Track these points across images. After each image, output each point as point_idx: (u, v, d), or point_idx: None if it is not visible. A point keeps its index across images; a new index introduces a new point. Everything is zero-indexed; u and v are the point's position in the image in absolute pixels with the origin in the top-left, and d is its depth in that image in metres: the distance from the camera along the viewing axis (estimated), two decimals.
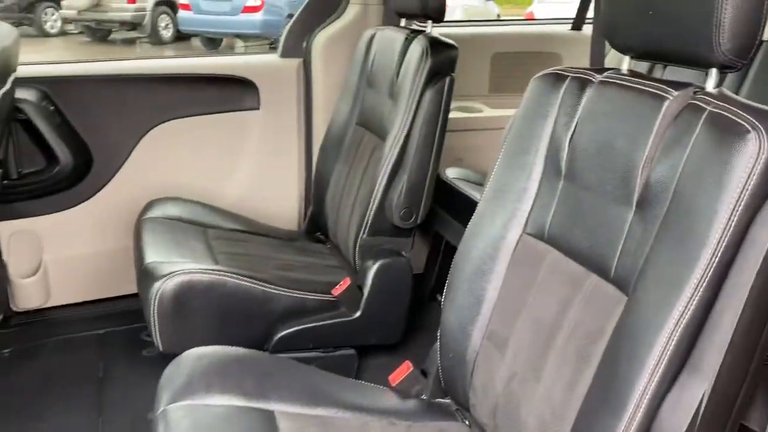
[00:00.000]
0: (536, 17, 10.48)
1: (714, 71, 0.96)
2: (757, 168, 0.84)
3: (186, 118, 2.28)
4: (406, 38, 1.90)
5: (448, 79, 1.77)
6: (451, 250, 2.28)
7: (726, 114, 0.89)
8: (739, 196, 0.85)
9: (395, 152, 1.80)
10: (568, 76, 1.15)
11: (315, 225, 2.28)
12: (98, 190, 2.21)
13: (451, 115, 2.38)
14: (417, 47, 1.80)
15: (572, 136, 1.12)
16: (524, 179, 1.19)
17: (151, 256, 1.74)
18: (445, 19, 1.84)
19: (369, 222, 1.83)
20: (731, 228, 0.85)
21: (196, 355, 1.30)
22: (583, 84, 1.12)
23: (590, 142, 1.07)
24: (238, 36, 11.12)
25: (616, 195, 1.03)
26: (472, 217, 1.28)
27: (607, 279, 1.03)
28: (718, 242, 0.86)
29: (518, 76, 2.71)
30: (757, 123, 0.86)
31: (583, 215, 1.09)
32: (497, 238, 1.22)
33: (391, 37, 1.97)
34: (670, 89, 0.98)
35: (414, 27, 2.04)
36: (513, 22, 2.81)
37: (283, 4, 10.57)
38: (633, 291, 0.96)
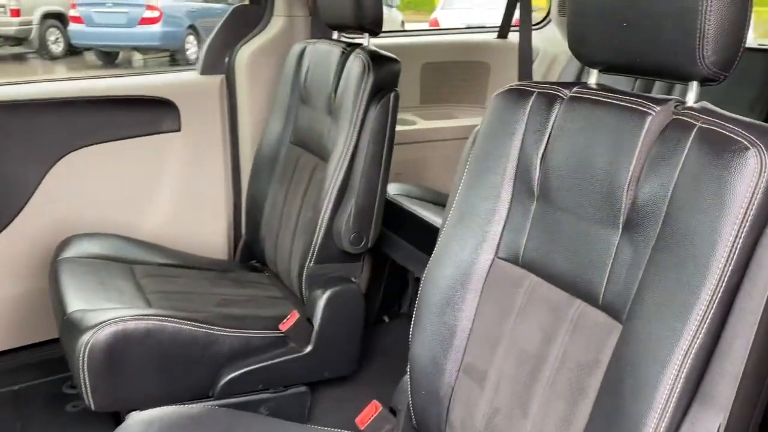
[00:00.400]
0: (441, 24, 10.62)
1: (695, 84, 0.92)
2: (760, 186, 0.80)
3: (100, 144, 2.08)
4: (343, 52, 1.80)
5: (392, 95, 1.68)
6: (396, 269, 2.22)
7: (718, 130, 0.85)
8: (744, 217, 0.80)
9: (341, 174, 1.69)
10: (534, 91, 1.10)
11: (249, 252, 2.14)
12: (3, 228, 1.98)
13: None
14: (356, 62, 1.70)
15: (544, 155, 1.06)
16: (492, 200, 1.13)
17: (75, 304, 1.55)
18: None
19: (315, 250, 1.72)
20: (737, 251, 0.81)
21: (143, 420, 1.15)
22: (551, 100, 1.07)
23: (565, 162, 1.02)
24: (136, 49, 10.64)
25: (599, 217, 0.97)
26: (438, 242, 1.21)
27: (596, 305, 0.98)
28: (724, 266, 0.81)
29: (448, 86, 2.68)
30: (754, 139, 0.82)
31: (563, 238, 1.03)
32: (467, 263, 1.14)
33: (326, 51, 1.86)
34: (651, 104, 0.93)
35: (344, 39, 1.94)
36: (441, 32, 2.77)
37: (182, 15, 10.18)
38: (628, 319, 0.91)
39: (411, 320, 1.21)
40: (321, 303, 1.69)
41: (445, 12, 10.95)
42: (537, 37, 2.66)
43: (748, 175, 0.80)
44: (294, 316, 1.67)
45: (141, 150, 2.14)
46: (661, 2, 0.89)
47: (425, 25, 11.03)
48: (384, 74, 1.68)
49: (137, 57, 10.93)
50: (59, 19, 10.83)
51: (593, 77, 1.06)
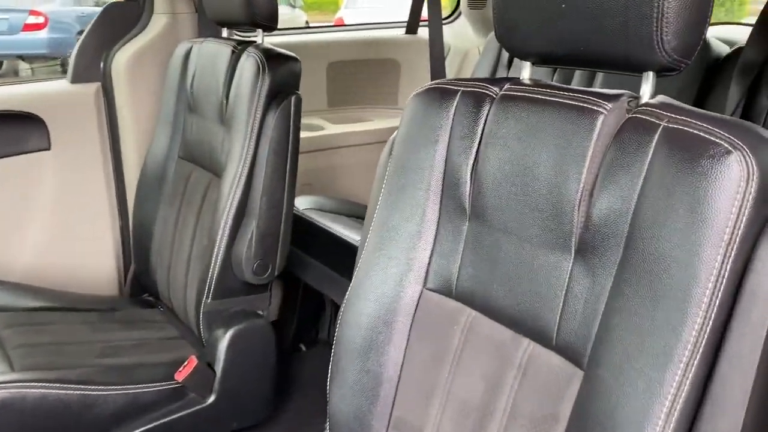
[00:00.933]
0: (346, 23, 10.45)
1: (651, 76, 0.77)
2: (748, 198, 0.66)
3: None
4: (233, 51, 1.56)
5: (293, 98, 1.46)
6: (311, 292, 2.00)
7: (689, 130, 0.70)
8: (730, 238, 0.66)
9: (237, 193, 1.45)
10: (458, 90, 0.93)
11: (140, 285, 1.86)
12: None
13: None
14: (249, 62, 1.47)
15: (475, 165, 0.90)
16: (416, 221, 0.96)
17: None
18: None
19: (212, 283, 1.47)
20: (724, 279, 0.66)
21: None
22: (479, 100, 0.91)
23: (501, 173, 0.86)
24: (21, 57, 9.91)
25: (546, 239, 0.82)
26: (355, 274, 1.02)
27: (549, 346, 0.82)
28: (710, 300, 0.66)
29: (357, 87, 2.48)
30: (736, 140, 0.67)
31: (503, 265, 0.87)
32: (391, 298, 0.97)
33: (214, 51, 1.62)
34: (601, 101, 0.78)
35: (237, 37, 1.70)
36: (345, 28, 2.57)
37: (71, 20, 9.56)
38: (591, 366, 0.75)
39: (331, 347, 1.04)
40: (223, 345, 1.45)
41: (350, 11, 10.78)
42: (447, 32, 2.51)
43: (732, 185, 0.66)
44: (192, 363, 1.42)
45: (4, 172, 1.83)
46: None
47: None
48: (282, 75, 1.46)
49: (23, 66, 10.18)
50: None
51: (525, 71, 0.91)
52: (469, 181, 0.91)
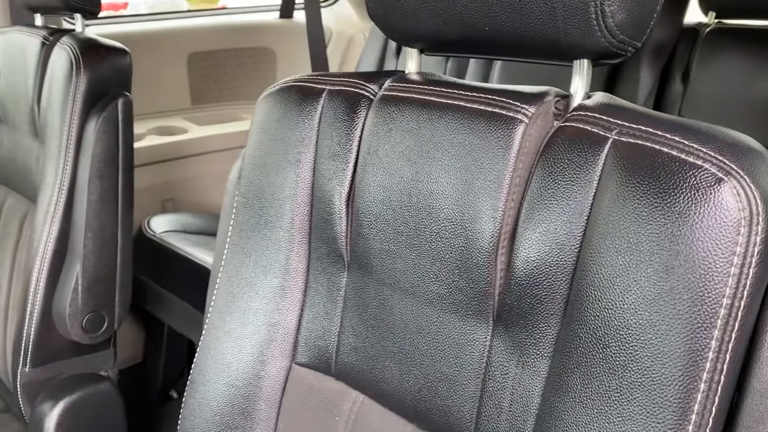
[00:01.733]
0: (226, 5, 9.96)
1: (586, 65, 0.56)
2: (752, 249, 0.45)
3: None
4: (44, 43, 1.21)
5: (121, 102, 1.13)
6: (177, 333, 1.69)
7: (653, 146, 0.49)
8: (729, 313, 0.45)
9: (54, 228, 1.12)
10: (323, 89, 0.70)
11: None
12: None
13: (146, 142, 1.75)
14: (61, 57, 1.14)
15: (351, 196, 0.67)
16: (278, 272, 0.72)
17: None
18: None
19: (30, 347, 1.14)
20: (722, 374, 0.46)
21: None
22: (351, 103, 0.68)
23: (386, 207, 0.63)
24: None
25: (453, 300, 0.60)
26: (200, 344, 0.77)
27: None
28: (705, 404, 0.46)
29: (226, 81, 2.15)
30: (727, 162, 0.47)
31: (398, 335, 0.64)
32: (249, 377, 0.73)
33: (21, 44, 1.26)
34: (520, 104, 0.57)
35: (53, 25, 1.36)
36: (208, 13, 2.24)
37: None
38: None
39: None
40: (50, 425, 1.11)
41: None
42: (327, 16, 2.24)
43: (729, 229, 0.45)
44: None
45: None
46: None
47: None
48: (104, 72, 1.13)
49: None
50: None
51: (412, 62, 0.69)
52: (344, 218, 0.68)
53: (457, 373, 0.60)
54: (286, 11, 2.26)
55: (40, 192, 1.16)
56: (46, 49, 1.21)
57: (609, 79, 1.56)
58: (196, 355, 0.78)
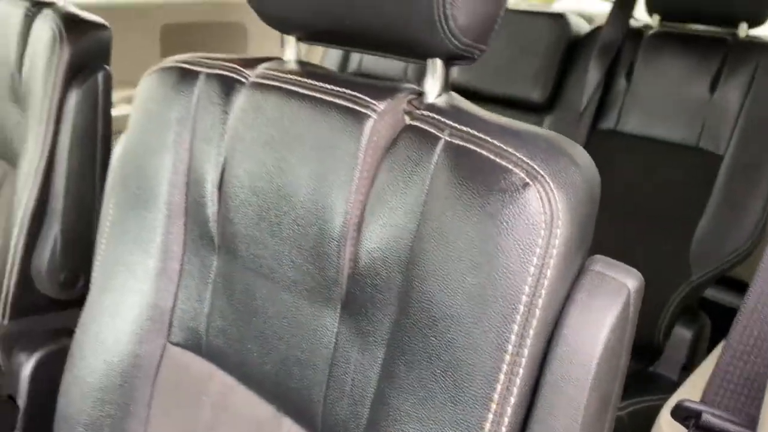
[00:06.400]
0: None
1: (439, 64, 0.59)
2: (551, 251, 0.49)
3: None
4: (27, 15, 1.27)
5: (101, 75, 1.20)
6: None
7: (475, 149, 0.52)
8: (529, 309, 0.49)
9: (35, 191, 1.19)
10: (201, 72, 0.71)
11: None
12: None
13: (117, 111, 1.81)
14: (44, 29, 1.20)
15: (222, 180, 0.69)
16: (155, 253, 0.74)
17: None
18: None
19: (9, 301, 1.21)
20: (521, 367, 0.50)
21: None
22: (226, 86, 0.69)
23: (251, 193, 0.66)
24: None
25: (306, 286, 0.63)
26: (79, 321, 0.80)
27: (313, 430, 0.64)
28: (504, 392, 0.49)
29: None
30: (535, 166, 0.50)
31: (259, 318, 0.67)
32: (125, 354, 0.75)
33: (4, 13, 1.31)
34: (370, 100, 0.59)
35: None
36: None
37: None
38: None
39: None
40: (25, 373, 1.20)
41: None
42: None
43: (531, 232, 0.49)
44: None
45: None
46: None
47: None
48: (85, 46, 1.20)
49: None
50: None
51: (289, 49, 0.70)
52: (215, 200, 0.69)
53: (309, 358, 0.63)
54: None
55: (21, 158, 1.22)
56: (29, 20, 1.26)
57: (560, 74, 1.67)
58: (76, 330, 0.80)
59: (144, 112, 0.74)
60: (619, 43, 1.58)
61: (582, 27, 1.72)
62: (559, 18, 1.70)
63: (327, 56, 2.00)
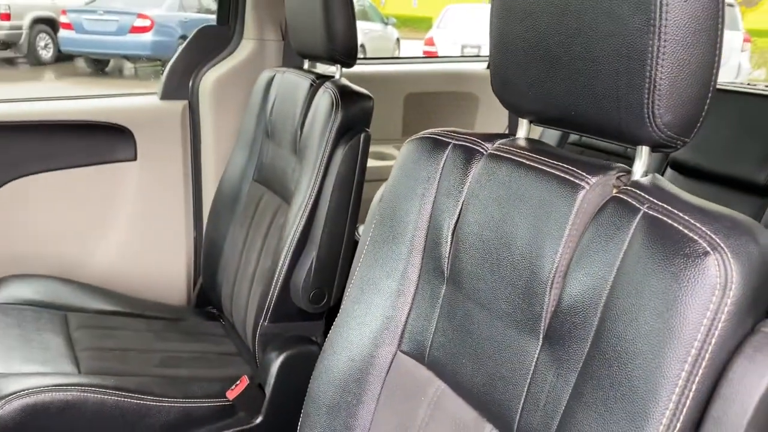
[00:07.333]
0: (436, 43, 10.51)
1: (645, 150, 0.70)
2: (723, 309, 0.58)
3: (45, 173, 1.89)
4: (312, 85, 1.61)
5: (362, 136, 1.49)
6: None
7: (668, 221, 0.63)
8: (699, 354, 0.59)
9: (301, 223, 1.50)
10: (450, 142, 0.88)
11: (206, 298, 1.94)
12: None
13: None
14: (325, 97, 1.52)
15: (456, 226, 0.85)
16: (397, 277, 0.91)
17: None
18: None
19: (272, 307, 1.52)
20: (688, 399, 0.59)
21: None
22: (469, 155, 0.85)
23: (478, 238, 0.80)
24: (126, 57, 10.49)
25: (516, 318, 0.76)
26: (334, 324, 0.99)
27: None
28: (672, 421, 0.59)
29: (433, 119, 2.50)
30: (716, 239, 0.60)
31: (474, 339, 0.81)
32: (365, 355, 0.93)
33: (294, 83, 1.67)
34: (584, 174, 0.71)
35: (318, 70, 1.76)
36: (427, 60, 2.60)
37: (175, 24, 10.06)
38: None
39: None
40: (274, 368, 1.49)
41: (441, 31, 10.85)
42: None
43: (706, 292, 0.58)
44: (243, 382, 1.46)
45: (91, 180, 1.95)
46: (599, 36, 0.67)
47: (420, 44, 10.93)
48: (354, 112, 1.49)
49: (128, 65, 10.77)
50: (50, 24, 10.70)
51: (521, 129, 0.85)
52: (449, 242, 0.85)
53: (511, 376, 0.75)
54: None
55: (294, 195, 1.55)
56: (313, 89, 1.60)
57: None
58: (330, 331, 0.98)
59: (402, 169, 0.92)
60: None
61: None
62: None
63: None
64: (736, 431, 0.58)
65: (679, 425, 0.59)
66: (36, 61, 10.69)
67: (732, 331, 0.59)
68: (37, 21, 10.62)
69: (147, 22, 9.89)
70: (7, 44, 10.69)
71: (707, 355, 0.59)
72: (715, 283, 0.58)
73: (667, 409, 0.59)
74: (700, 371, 0.59)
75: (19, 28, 10.50)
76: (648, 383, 0.60)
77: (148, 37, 9.90)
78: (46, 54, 10.80)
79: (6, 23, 10.46)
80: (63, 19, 10.30)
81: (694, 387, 0.59)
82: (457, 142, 0.88)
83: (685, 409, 0.59)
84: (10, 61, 11.00)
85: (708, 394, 0.60)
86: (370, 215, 1.01)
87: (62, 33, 10.34)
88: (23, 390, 1.25)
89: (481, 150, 0.85)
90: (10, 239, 1.86)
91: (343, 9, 1.48)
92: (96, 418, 1.30)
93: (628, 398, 0.61)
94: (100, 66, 10.63)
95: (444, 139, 0.89)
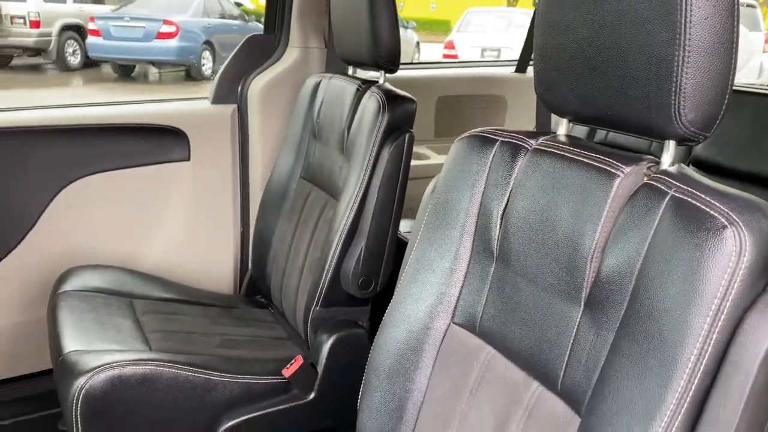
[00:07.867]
0: (456, 46, 10.63)
1: (672, 144, 0.82)
2: (738, 272, 0.69)
3: (106, 172, 2.04)
4: (358, 89, 1.75)
5: (407, 136, 1.62)
6: None
7: (692, 201, 0.74)
8: (718, 309, 0.70)
9: (351, 216, 1.63)
10: (497, 140, 1.00)
11: (255, 288, 2.08)
12: (4, 256, 1.93)
13: None
14: (372, 101, 1.65)
15: (504, 212, 0.97)
16: (450, 258, 1.03)
17: (71, 344, 1.50)
18: None
19: (323, 293, 1.65)
20: (709, 348, 0.70)
21: None
22: (515, 150, 0.97)
23: (526, 222, 0.92)
24: (152, 63, 10.72)
25: (560, 288, 0.87)
26: (392, 300, 1.11)
27: (554, 391, 0.88)
28: (694, 367, 0.70)
29: (464, 121, 2.63)
30: (733, 215, 0.71)
31: (521, 309, 0.93)
32: (421, 327, 1.04)
33: (341, 88, 1.81)
34: (620, 164, 0.83)
35: (360, 75, 1.89)
36: (457, 65, 2.73)
37: (199, 30, 10.27)
38: (587, 413, 0.80)
39: None
40: (326, 348, 1.62)
41: (461, 35, 10.96)
42: None
43: (725, 258, 0.70)
44: (298, 361, 1.60)
45: (149, 178, 2.10)
46: (632, 48, 0.78)
47: (440, 47, 11.05)
48: (399, 114, 1.63)
49: (153, 71, 11.01)
50: (78, 31, 10.96)
51: (562, 127, 0.97)
52: (498, 226, 0.97)
53: (556, 338, 0.86)
54: (521, 67, 2.68)
55: (343, 191, 1.68)
56: (359, 94, 1.74)
57: None
58: (389, 307, 1.09)
59: (454, 163, 1.04)
60: None
61: None
62: None
63: (577, 127, 2.27)
64: (750, 373, 0.70)
65: (702, 368, 0.70)
66: (64, 67, 10.96)
67: (746, 290, 0.70)
68: (66, 28, 10.90)
69: (172, 28, 10.10)
70: (37, 50, 10.97)
71: (725, 310, 0.70)
72: (731, 251, 0.69)
73: (693, 354, 0.70)
74: (720, 324, 0.70)
75: (49, 35, 10.78)
76: (676, 334, 0.71)
77: (173, 43, 10.11)
78: (74, 60, 11.07)
79: (35, 30, 10.74)
80: (91, 26, 10.55)
81: (714, 336, 0.70)
82: (504, 139, 0.99)
83: (707, 355, 0.70)
84: (38, 68, 11.28)
85: (726, 342, 0.71)
86: (423, 204, 1.14)
87: (90, 39, 10.60)
88: (108, 363, 1.39)
89: (526, 146, 0.96)
90: (77, 233, 2.02)
91: (388, 18, 1.61)
92: (170, 390, 1.44)
93: (659, 348, 0.72)
94: (126, 71, 10.88)
95: (492, 136, 1.01)
